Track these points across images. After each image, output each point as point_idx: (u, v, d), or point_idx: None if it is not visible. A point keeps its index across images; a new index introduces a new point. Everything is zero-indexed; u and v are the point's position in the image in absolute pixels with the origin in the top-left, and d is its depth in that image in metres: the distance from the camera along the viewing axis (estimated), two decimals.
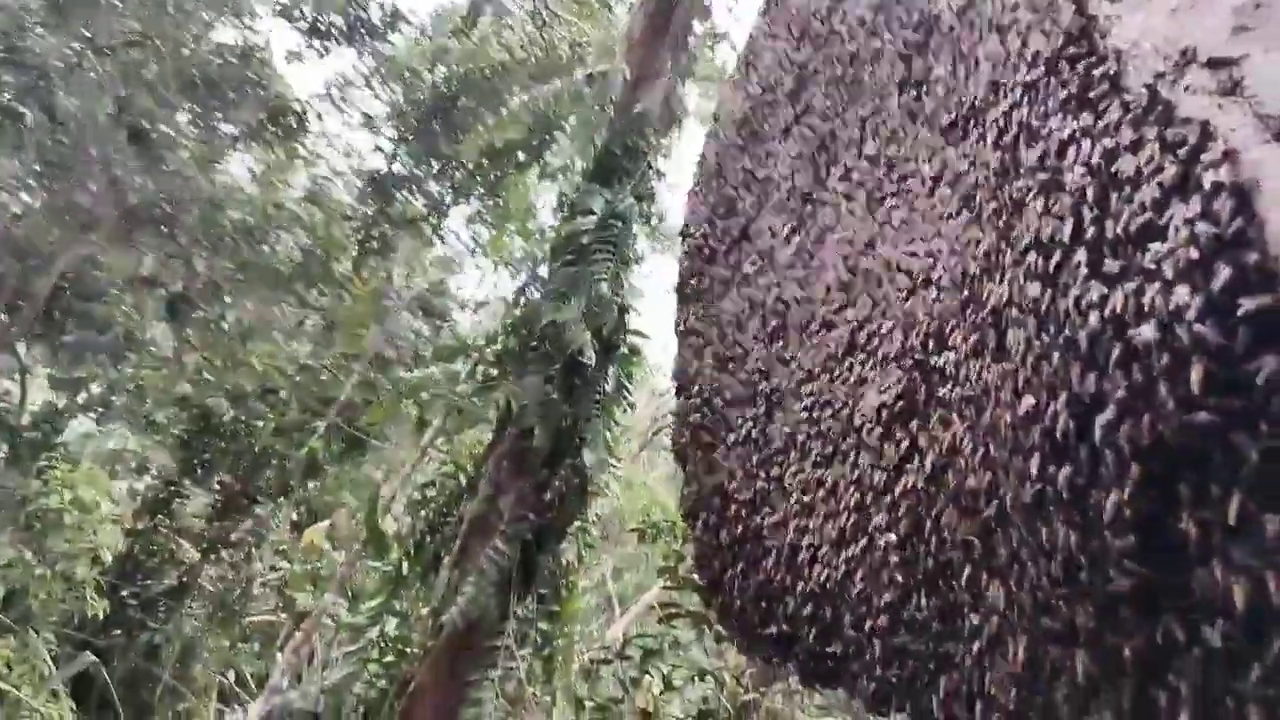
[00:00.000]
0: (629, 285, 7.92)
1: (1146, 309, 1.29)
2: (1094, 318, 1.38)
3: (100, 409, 15.84)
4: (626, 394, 8.16)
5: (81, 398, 15.94)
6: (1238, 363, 1.17)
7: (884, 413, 2.41)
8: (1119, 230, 1.37)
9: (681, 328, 4.09)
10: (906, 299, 2.58)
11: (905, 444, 2.27)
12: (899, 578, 2.18)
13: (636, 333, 8.24)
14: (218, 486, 16.02)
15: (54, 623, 11.96)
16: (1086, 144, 1.53)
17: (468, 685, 7.54)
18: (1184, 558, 1.26)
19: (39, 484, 12.36)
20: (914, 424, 2.25)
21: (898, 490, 2.26)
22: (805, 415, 2.88)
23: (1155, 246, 1.30)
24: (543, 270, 8.08)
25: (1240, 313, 1.17)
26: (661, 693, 10.35)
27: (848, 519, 2.48)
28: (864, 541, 2.36)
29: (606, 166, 8.06)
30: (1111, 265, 1.38)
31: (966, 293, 2.18)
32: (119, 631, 14.39)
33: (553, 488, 7.72)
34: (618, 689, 10.63)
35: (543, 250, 8.15)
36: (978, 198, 2.32)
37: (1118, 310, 1.34)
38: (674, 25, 8.41)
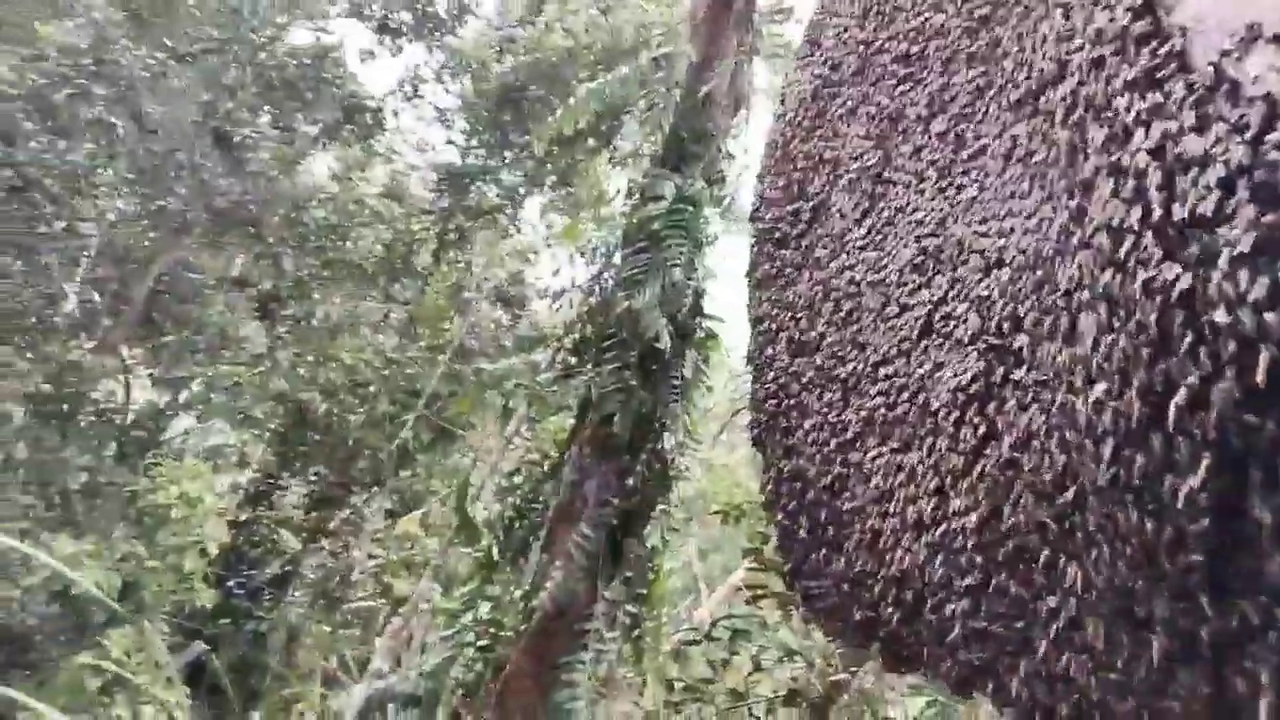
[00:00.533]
0: (702, 269, 7.93)
1: (1215, 295, 1.28)
2: (1162, 302, 1.38)
3: (200, 406, 16.47)
4: (704, 377, 8.19)
5: (182, 396, 16.60)
6: None
7: (960, 396, 2.40)
8: (1186, 213, 1.36)
9: (755, 314, 4.10)
10: (980, 280, 2.56)
11: (982, 428, 2.26)
12: (978, 561, 2.18)
13: (712, 316, 8.25)
14: (314, 478, 16.60)
15: (166, 613, 12.53)
16: (1153, 125, 1.51)
17: (560, 668, 7.70)
18: (1258, 544, 1.25)
19: (146, 480, 12.95)
20: (990, 408, 2.24)
21: (975, 474, 2.25)
22: (882, 400, 2.88)
23: (1222, 231, 1.29)
24: (616, 258, 8.13)
25: None
26: (750, 673, 10.42)
27: (927, 503, 2.48)
28: (943, 526, 2.36)
29: (675, 151, 8.07)
30: (1179, 249, 1.37)
31: (1039, 274, 2.16)
32: (227, 620, 15.05)
33: (635, 473, 7.81)
34: (708, 670, 10.74)
35: (616, 237, 8.18)
36: (1049, 176, 2.29)
37: (1186, 295, 1.33)
38: (737, 4, 8.35)
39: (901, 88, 3.53)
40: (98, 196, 15.29)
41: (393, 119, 17.74)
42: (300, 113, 16.32)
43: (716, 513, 11.51)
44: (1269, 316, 1.20)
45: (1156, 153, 1.48)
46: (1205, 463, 1.31)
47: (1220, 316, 1.28)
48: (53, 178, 14.01)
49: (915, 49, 3.49)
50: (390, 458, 13.56)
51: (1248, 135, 1.31)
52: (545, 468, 8.38)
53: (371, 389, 15.11)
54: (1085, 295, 1.73)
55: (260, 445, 16.73)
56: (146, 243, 15.38)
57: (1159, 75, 1.58)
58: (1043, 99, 2.38)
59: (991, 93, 2.95)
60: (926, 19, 3.48)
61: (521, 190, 18.16)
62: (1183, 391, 1.34)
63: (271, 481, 16.40)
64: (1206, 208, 1.33)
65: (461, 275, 16.96)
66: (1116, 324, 1.54)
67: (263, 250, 15.54)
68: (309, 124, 16.61)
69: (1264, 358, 1.21)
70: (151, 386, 17.00)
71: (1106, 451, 1.54)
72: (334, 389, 15.27)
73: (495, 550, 8.28)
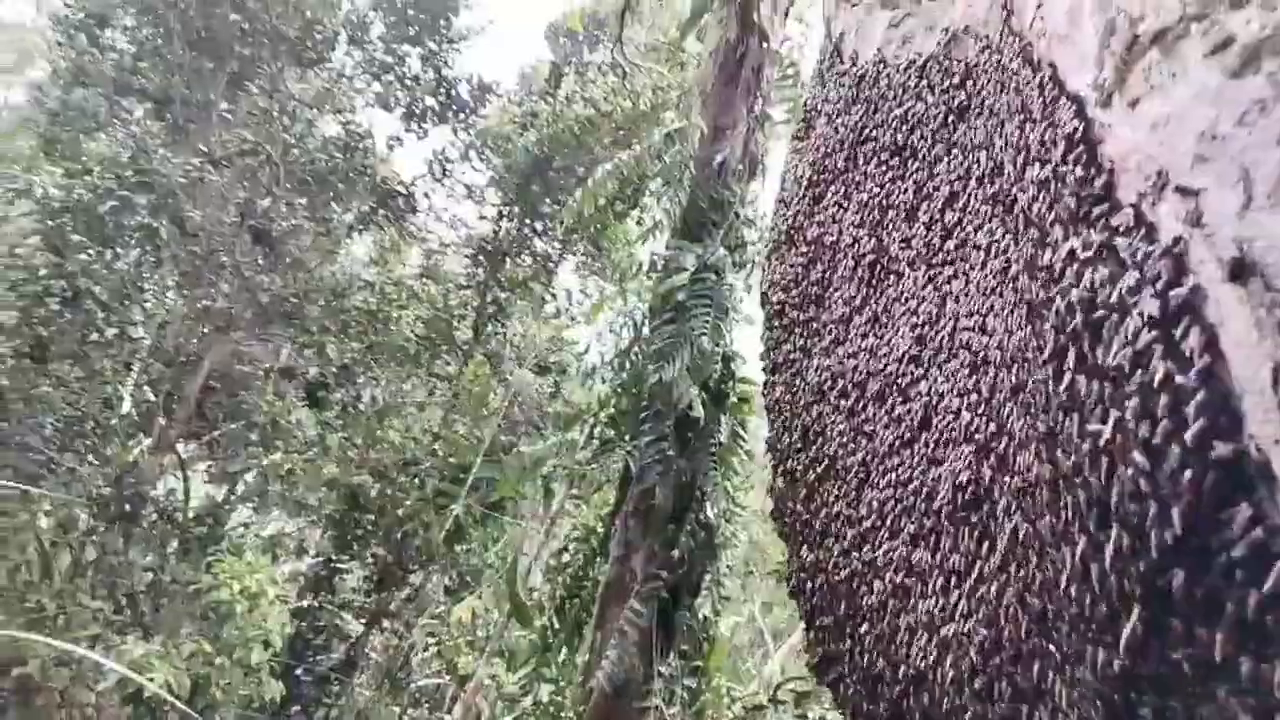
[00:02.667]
0: (730, 336, 8.03)
1: (1131, 449, 1.34)
2: (1089, 446, 1.44)
3: (256, 497, 16.84)
4: (741, 442, 8.24)
5: (239, 488, 16.98)
6: (1213, 510, 1.21)
7: (959, 496, 2.45)
8: (1110, 360, 1.42)
9: (769, 399, 4.17)
10: (970, 376, 2.62)
11: (978, 530, 2.31)
12: (981, 666, 2.22)
13: (745, 380, 8.32)
14: (372, 560, 16.81)
15: (237, 708, 12.73)
16: (1083, 268, 1.58)
17: None
18: (1185, 689, 1.30)
19: (209, 577, 13.23)
20: (984, 510, 2.29)
21: (974, 577, 2.30)
22: (890, 493, 2.92)
23: (1140, 378, 1.35)
24: (645, 330, 8.26)
25: (1213, 457, 1.22)
26: None
27: (935, 602, 2.52)
28: (951, 627, 2.40)
29: (694, 221, 8.21)
30: (1104, 395, 1.43)
31: (1015, 379, 2.22)
32: (297, 709, 15.23)
33: (680, 544, 7.84)
34: None
35: (643, 310, 8.32)
36: (1020, 280, 2.36)
37: (1109, 444, 1.39)
38: (745, 73, 8.54)
39: (890, 174, 3.61)
40: (146, 300, 15.85)
41: (424, 200, 18.20)
42: (334, 202, 16.83)
43: (773, 572, 11.45)
44: (1179, 475, 1.26)
45: (1084, 291, 1.55)
46: (1135, 614, 1.36)
47: (1134, 473, 1.34)
48: (102, 285, 14.57)
49: (900, 138, 3.58)
50: (444, 535, 13.72)
51: (1158, 286, 1.38)
52: (592, 544, 8.44)
53: (422, 467, 15.34)
54: (1042, 420, 1.79)
55: (317, 531, 17.02)
56: (195, 341, 15.88)
57: (1086, 212, 1.65)
58: (1009, 203, 2.46)
59: (971, 184, 3.02)
60: (909, 108, 3.57)
61: (555, 258, 18.47)
62: (1110, 541, 1.40)
63: (331, 566, 16.65)
64: (1126, 357, 1.39)
65: (501, 345, 17.24)
66: (1061, 459, 1.60)
67: (307, 339, 15.95)
68: (343, 213, 17.12)
69: (1176, 514, 1.27)
70: (208, 481, 17.43)
71: (1062, 580, 1.60)
72: (385, 470, 15.53)
73: (549, 631, 8.34)
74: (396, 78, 17.14)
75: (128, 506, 15.06)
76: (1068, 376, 1.57)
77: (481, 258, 18.07)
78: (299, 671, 15.30)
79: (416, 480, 15.43)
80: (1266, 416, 1.21)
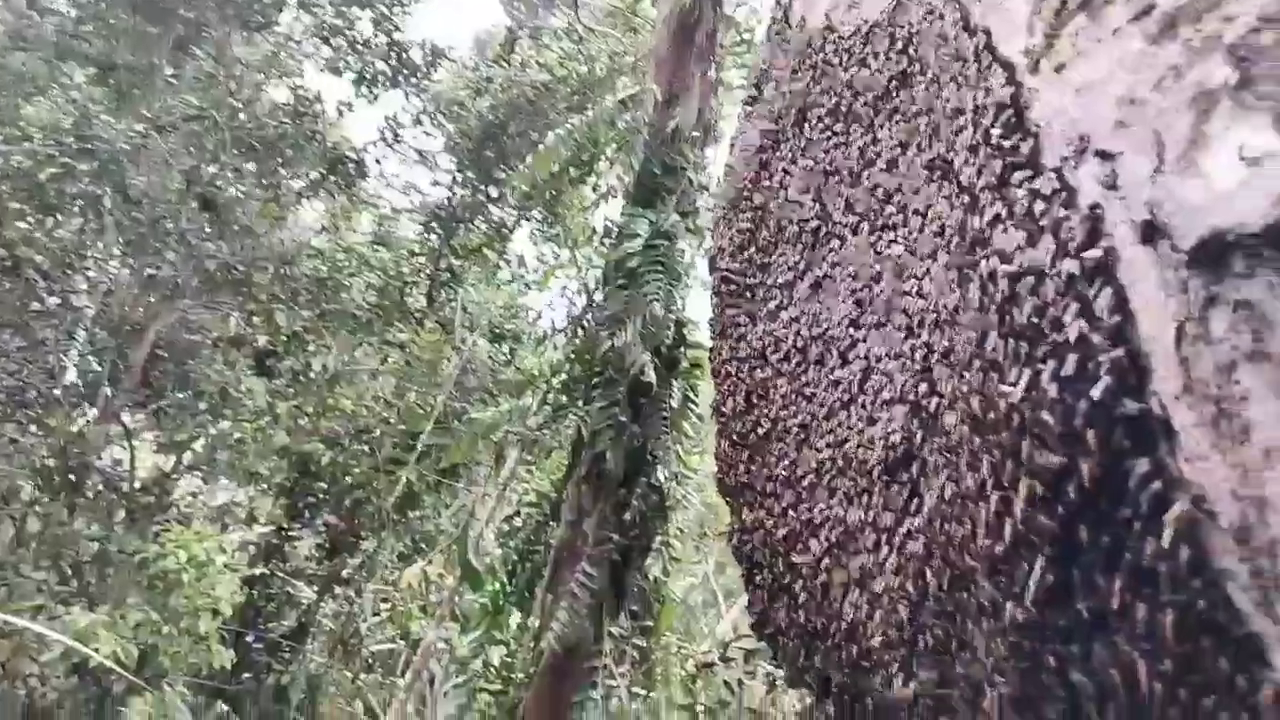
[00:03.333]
0: (683, 302, 8.07)
1: (1043, 406, 1.38)
2: (1005, 404, 1.48)
3: (205, 466, 16.64)
4: (693, 407, 8.31)
5: (187, 458, 16.76)
6: (1118, 464, 1.26)
7: (890, 455, 2.51)
8: (1026, 320, 1.47)
9: (715, 364, 4.21)
10: (905, 339, 2.67)
11: (908, 490, 2.36)
12: (908, 622, 2.28)
13: (697, 345, 8.37)
14: (324, 528, 16.73)
15: (186, 676, 12.65)
16: (1006, 230, 1.62)
17: (572, 707, 7.79)
18: (1086, 637, 1.35)
19: (156, 547, 13.07)
20: (913, 469, 2.35)
21: (902, 534, 2.36)
22: (829, 454, 2.98)
23: (1054, 338, 1.40)
24: (599, 296, 8.27)
25: (1119, 414, 1.27)
26: (768, 692, 10.46)
27: (869, 559, 2.58)
28: (880, 582, 2.47)
29: (647, 188, 8.21)
30: (1020, 355, 1.47)
31: (946, 341, 2.27)
32: (248, 676, 15.17)
33: (632, 507, 7.91)
34: (726, 691, 10.78)
35: (596, 276, 8.33)
36: (952, 243, 2.40)
37: (1023, 401, 1.43)
38: (698, 38, 8.51)
39: (835, 140, 3.64)
40: (89, 269, 15.50)
41: (376, 166, 17.95)
42: (283, 169, 16.52)
43: (724, 533, 11.58)
44: (1088, 431, 1.31)
45: (1005, 258, 1.59)
46: (1045, 554, 1.41)
47: (1047, 428, 1.39)
48: (43, 254, 14.22)
49: (845, 104, 3.60)
50: (396, 502, 13.68)
51: (1073, 248, 1.42)
52: (544, 508, 8.48)
53: (374, 435, 15.25)
54: (970, 376, 1.83)
55: (268, 500, 16.88)
56: (141, 310, 15.57)
57: (1011, 177, 1.68)
58: (945, 168, 2.50)
59: (912, 150, 3.05)
60: (854, 73, 3.59)
61: (509, 224, 18.34)
62: (1023, 489, 1.45)
63: (282, 534, 16.53)
64: (1041, 317, 1.43)
65: (455, 312, 17.12)
66: (983, 414, 1.65)
67: (256, 308, 15.72)
68: (292, 179, 16.82)
69: (1086, 468, 1.31)
70: (156, 451, 17.18)
71: (979, 534, 1.65)
72: (336, 438, 15.41)
73: (501, 595, 8.38)
74: (347, 41, 16.81)
75: (72, 477, 14.81)
76: (990, 337, 1.61)
77: (435, 224, 17.89)
78: (250, 639, 15.22)
79: (368, 448, 15.35)
80: (1169, 374, 1.26)
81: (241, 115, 15.20)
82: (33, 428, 14.59)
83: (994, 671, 1.75)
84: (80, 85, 13.93)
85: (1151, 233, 1.35)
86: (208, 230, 14.68)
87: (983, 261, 1.68)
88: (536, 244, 18.91)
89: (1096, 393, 1.29)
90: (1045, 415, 1.36)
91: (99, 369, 15.60)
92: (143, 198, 13.55)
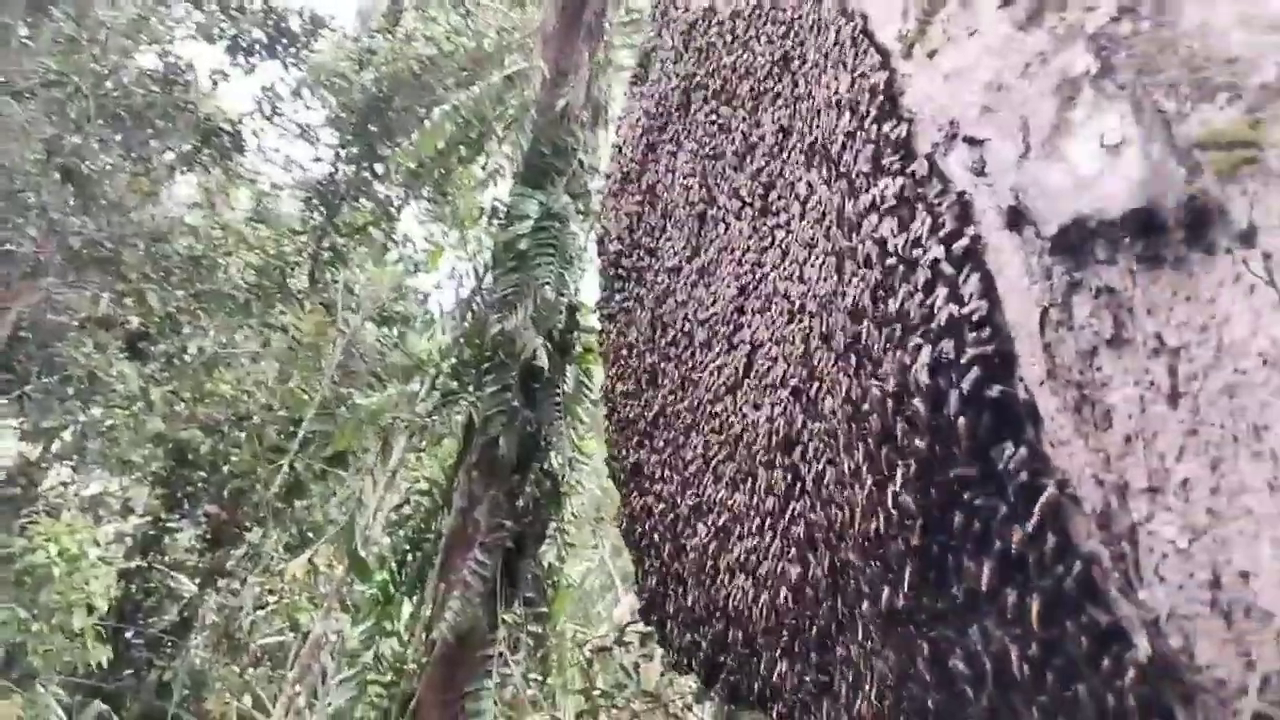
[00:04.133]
0: (575, 285, 8.00)
1: (914, 393, 1.39)
2: (878, 391, 1.49)
3: (75, 455, 15.82)
4: (587, 391, 8.26)
5: (55, 446, 15.90)
6: (988, 449, 1.27)
7: (773, 439, 2.52)
8: (898, 307, 1.47)
9: (604, 347, 4.17)
10: (787, 324, 2.67)
11: (790, 473, 2.37)
12: (793, 605, 2.30)
13: (590, 329, 8.31)
14: (204, 518, 16.09)
15: (60, 675, 12.04)
16: (880, 218, 1.62)
17: (466, 696, 7.69)
18: (957, 619, 1.38)
19: (23, 540, 12.38)
20: (795, 454, 2.36)
21: (786, 518, 2.37)
22: (715, 438, 2.98)
23: (925, 326, 1.40)
24: (488, 279, 8.12)
25: (987, 398, 1.28)
26: (664, 673, 10.55)
27: (754, 543, 2.59)
28: (765, 567, 2.47)
29: (536, 168, 8.08)
30: (892, 341, 1.48)
31: (825, 327, 2.27)
32: (129, 672, 14.53)
33: (525, 493, 7.83)
34: (623, 675, 10.82)
35: (485, 259, 8.18)
36: (831, 229, 2.41)
37: (897, 388, 1.44)
38: (587, 16, 8.41)
39: (719, 124, 3.62)
40: None
41: (253, 139, 17.26)
42: (153, 140, 15.74)
43: (618, 517, 11.58)
44: (959, 416, 1.32)
45: (879, 244, 1.59)
46: (916, 531, 1.42)
47: (920, 409, 1.39)
48: None
49: (729, 86, 3.58)
50: (280, 491, 13.26)
51: (943, 234, 1.42)
52: (434, 496, 8.32)
53: (254, 421, 14.73)
54: (846, 358, 1.84)
55: (144, 489, 16.15)
56: (1, 288, 14.65)
57: (884, 162, 1.69)
58: (823, 154, 2.50)
59: (794, 137, 3.05)
60: (738, 56, 3.57)
61: (396, 202, 17.90)
62: (900, 471, 1.46)
63: (160, 525, 15.84)
64: (911, 305, 1.44)
65: (340, 294, 16.65)
66: (858, 392, 1.65)
67: (126, 287, 14.96)
68: (163, 152, 16.04)
69: (960, 449, 1.32)
70: (21, 439, 16.23)
71: (857, 517, 1.66)
72: (215, 424, 14.83)
73: (391, 585, 8.20)
74: (220, 6, 16.07)
75: None
76: (864, 323, 1.61)
77: (317, 201, 17.32)
78: (129, 634, 14.57)
79: (249, 435, 14.82)
80: (1034, 358, 1.27)
81: (107, 83, 14.40)
82: None
83: (872, 655, 1.77)
84: None
85: (1017, 219, 1.37)
86: (71, 204, 13.87)
87: (859, 247, 1.68)
88: (424, 224, 18.52)
89: (966, 379, 1.30)
90: (916, 402, 1.37)
91: None
92: None
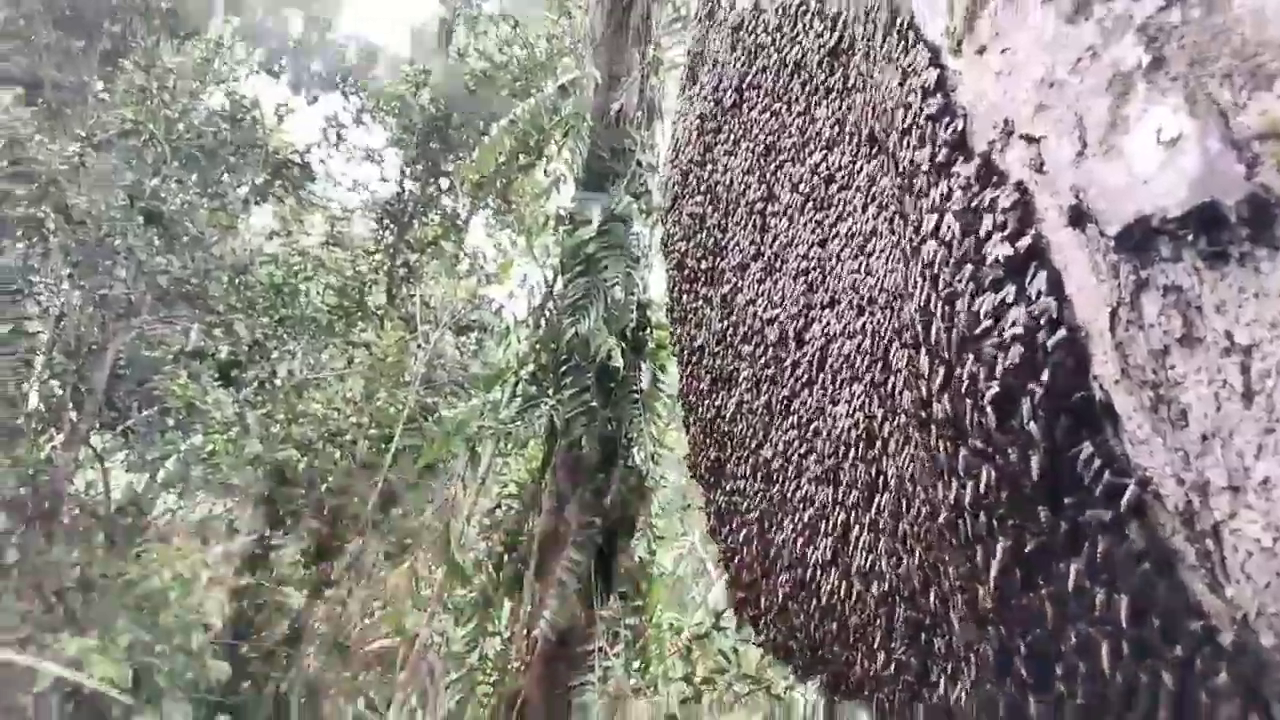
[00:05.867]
0: (644, 283, 8.08)
1: (989, 394, 1.41)
2: (953, 392, 1.50)
3: (180, 482, 16.50)
4: (663, 386, 8.34)
5: (160, 475, 16.60)
6: (1067, 450, 1.29)
7: (853, 433, 2.54)
8: (967, 307, 1.49)
9: (678, 350, 4.22)
10: (858, 318, 2.69)
11: (873, 468, 2.39)
12: (885, 597, 2.32)
13: (663, 326, 8.38)
14: (306, 533, 16.63)
15: (183, 693, 12.59)
16: (942, 217, 1.63)
17: (571, 691, 7.86)
18: (1048, 621, 1.39)
19: (138, 567, 12.96)
20: (876, 447, 2.38)
21: (872, 513, 2.39)
22: (795, 434, 3.00)
23: (992, 324, 1.42)
24: (559, 285, 8.25)
25: (1063, 401, 1.29)
26: (763, 656, 10.59)
27: (840, 537, 2.62)
28: (855, 561, 2.50)
29: (596, 172, 8.18)
30: (964, 342, 1.50)
31: (898, 319, 2.29)
32: (247, 685, 15.13)
33: (611, 491, 7.96)
34: (722, 660, 10.90)
35: (554, 265, 8.32)
36: (894, 221, 2.42)
37: (971, 389, 1.46)
38: (634, 20, 8.45)
39: (774, 120, 3.64)
40: (39, 293, 15.23)
41: (321, 166, 17.74)
42: (227, 176, 16.28)
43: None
44: (1040, 417, 1.34)
45: (944, 245, 1.61)
46: (1008, 539, 1.44)
47: (992, 419, 1.41)
48: None
49: (781, 81, 3.59)
50: (377, 503, 13.65)
51: (1008, 232, 1.44)
52: (524, 499, 8.50)
53: (346, 437, 15.16)
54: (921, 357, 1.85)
55: (247, 510, 16.77)
56: (97, 330, 15.33)
57: (943, 160, 1.70)
58: (883, 144, 2.50)
59: (849, 127, 3.05)
60: (787, 53, 3.58)
61: (463, 215, 18.21)
62: (978, 484, 1.48)
63: (265, 543, 16.43)
64: (980, 305, 1.45)
65: (417, 308, 17.00)
66: (928, 399, 1.67)
67: (214, 319, 15.53)
68: (237, 186, 16.58)
69: (1034, 460, 1.34)
70: (128, 471, 16.99)
71: (942, 510, 1.68)
72: (310, 443, 15.31)
73: (490, 587, 8.41)
74: (279, 43, 16.53)
75: (46, 504, 14.61)
76: (933, 323, 1.64)
77: (387, 220, 17.73)
78: (244, 649, 15.16)
79: (342, 451, 15.25)
80: (1107, 358, 1.28)
81: (179, 126, 14.93)
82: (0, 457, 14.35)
83: (969, 649, 1.79)
84: (7, 107, 13.59)
85: (1079, 217, 1.38)
86: (157, 244, 14.43)
87: (923, 246, 1.70)
88: (491, 234, 18.80)
89: (1041, 380, 1.32)
90: (991, 403, 1.39)
91: (60, 393, 15.34)
92: (86, 217, 13.30)
